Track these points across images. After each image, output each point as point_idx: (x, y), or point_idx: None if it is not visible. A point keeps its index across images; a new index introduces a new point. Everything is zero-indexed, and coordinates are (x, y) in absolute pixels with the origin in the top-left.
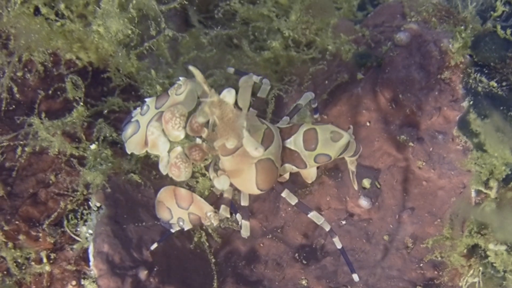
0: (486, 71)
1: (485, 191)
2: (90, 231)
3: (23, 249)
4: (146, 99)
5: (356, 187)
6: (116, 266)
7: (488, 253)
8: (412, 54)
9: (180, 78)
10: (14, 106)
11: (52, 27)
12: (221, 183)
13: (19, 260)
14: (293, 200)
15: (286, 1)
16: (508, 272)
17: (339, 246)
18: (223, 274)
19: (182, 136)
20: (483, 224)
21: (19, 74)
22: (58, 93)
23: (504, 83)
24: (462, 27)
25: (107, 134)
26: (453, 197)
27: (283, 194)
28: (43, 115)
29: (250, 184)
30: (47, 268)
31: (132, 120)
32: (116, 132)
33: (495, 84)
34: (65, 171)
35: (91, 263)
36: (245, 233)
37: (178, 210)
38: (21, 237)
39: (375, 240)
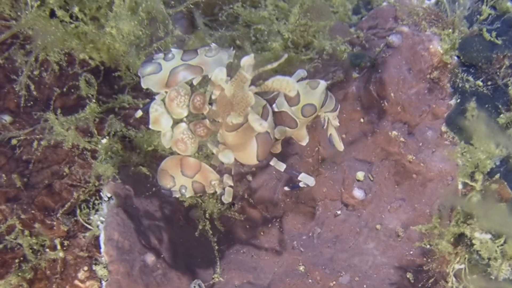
0: (472, 71)
1: (471, 183)
2: (101, 220)
3: (39, 236)
4: (172, 49)
5: (341, 146)
6: (125, 252)
7: (473, 241)
8: (403, 55)
9: (213, 43)
10: (32, 103)
11: (66, 29)
12: (226, 157)
13: (35, 247)
14: (282, 167)
15: (285, 5)
16: (492, 259)
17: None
18: (226, 261)
19: (185, 113)
20: (469, 214)
21: (36, 72)
22: (72, 90)
23: (489, 83)
24: (450, 30)
25: (118, 129)
26: (441, 189)
27: (272, 162)
28: (58, 111)
29: (252, 156)
30: (61, 254)
31: (153, 61)
32: (126, 127)
33: (481, 84)
34: (78, 164)
35: (102, 250)
36: (227, 198)
37: (181, 178)
38: (36, 225)
39: (368, 229)
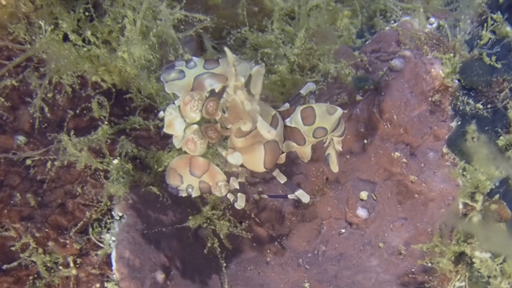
0: (473, 94)
1: (471, 203)
2: (113, 238)
3: (52, 254)
4: (194, 58)
5: (336, 168)
6: (136, 270)
7: (474, 260)
8: (406, 78)
9: (234, 55)
10: (45, 124)
11: (79, 52)
12: (235, 159)
13: (48, 264)
14: (282, 179)
15: (291, 29)
16: (492, 277)
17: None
18: (233, 277)
19: (198, 118)
20: (470, 233)
21: (50, 95)
22: (85, 112)
23: (489, 105)
24: (451, 54)
25: (129, 150)
26: (442, 209)
27: (274, 173)
28: (71, 132)
29: (259, 163)
30: (74, 272)
31: (176, 68)
32: (137, 148)
33: (481, 106)
34: (91, 184)
35: (113, 267)
36: (240, 203)
37: (189, 177)
38: (50, 243)
39: (371, 247)
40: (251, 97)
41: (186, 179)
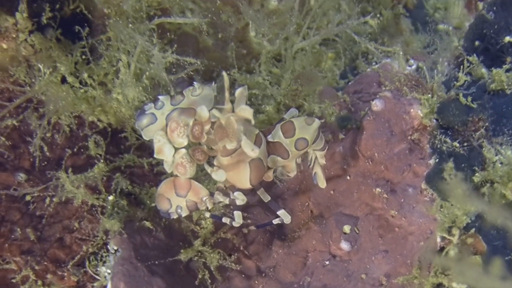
0: (450, 133)
1: (448, 237)
2: (108, 271)
3: (51, 286)
4: (160, 96)
5: (323, 184)
6: None
7: None
8: (386, 118)
9: (195, 82)
10: (45, 162)
11: (76, 94)
12: (218, 176)
13: None
14: (266, 198)
15: (278, 70)
16: None
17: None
18: None
19: (185, 143)
20: (446, 267)
21: (49, 134)
22: (82, 150)
23: (465, 144)
24: (430, 95)
25: (124, 187)
26: (421, 242)
27: (259, 192)
28: (69, 170)
29: (245, 180)
30: None
31: (146, 112)
32: (131, 184)
33: (458, 145)
34: (87, 219)
35: None
36: (238, 221)
37: (176, 199)
38: (49, 276)
39: (353, 278)
40: (236, 118)
41: (174, 201)
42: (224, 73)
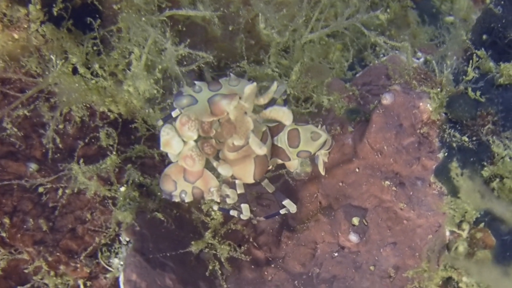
0: (459, 127)
1: (458, 231)
2: (121, 262)
3: (63, 277)
4: (196, 82)
5: (322, 172)
6: None
7: (460, 284)
8: (396, 111)
9: (231, 74)
10: (58, 154)
11: (88, 85)
12: (225, 170)
13: (60, 287)
14: (271, 189)
15: (287, 62)
16: None
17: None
18: None
19: (195, 136)
20: (456, 263)
21: (61, 126)
22: (93, 141)
23: (474, 138)
24: (439, 89)
25: (135, 178)
26: (430, 235)
27: (263, 183)
28: (81, 160)
29: (249, 175)
30: None
31: (184, 94)
32: (142, 176)
33: (467, 139)
34: (100, 210)
35: None
36: (245, 213)
37: (183, 183)
38: (61, 266)
39: (362, 270)
40: (245, 115)
41: (180, 185)
42: (275, 83)
